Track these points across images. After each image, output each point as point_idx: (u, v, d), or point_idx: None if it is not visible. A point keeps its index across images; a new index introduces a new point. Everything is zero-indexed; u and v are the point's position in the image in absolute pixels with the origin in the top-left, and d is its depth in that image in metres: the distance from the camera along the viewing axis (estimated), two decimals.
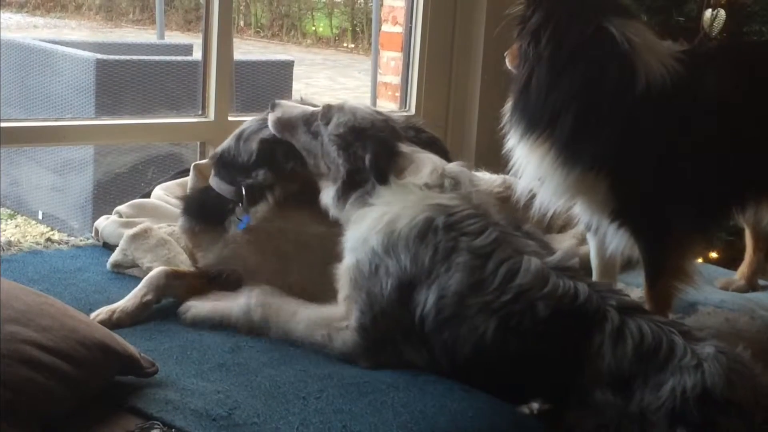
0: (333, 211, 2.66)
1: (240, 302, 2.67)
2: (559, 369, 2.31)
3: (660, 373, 2.19)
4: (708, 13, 4.13)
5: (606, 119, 2.76)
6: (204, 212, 2.94)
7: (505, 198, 3.49)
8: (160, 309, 2.79)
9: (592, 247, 3.13)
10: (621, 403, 2.20)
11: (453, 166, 2.68)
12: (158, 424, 2.09)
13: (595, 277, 3.06)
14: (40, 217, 6.26)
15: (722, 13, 4.10)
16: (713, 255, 4.01)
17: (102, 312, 2.67)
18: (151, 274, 2.84)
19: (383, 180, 2.55)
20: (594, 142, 2.77)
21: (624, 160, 2.79)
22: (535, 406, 2.39)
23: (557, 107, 2.77)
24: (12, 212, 6.51)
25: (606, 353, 2.25)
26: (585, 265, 3.17)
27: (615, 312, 2.31)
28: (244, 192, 2.83)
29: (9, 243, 3.23)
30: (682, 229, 2.88)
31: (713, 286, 3.49)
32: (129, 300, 2.74)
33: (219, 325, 2.67)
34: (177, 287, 2.85)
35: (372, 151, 2.58)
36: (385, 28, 4.90)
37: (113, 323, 2.63)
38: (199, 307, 2.72)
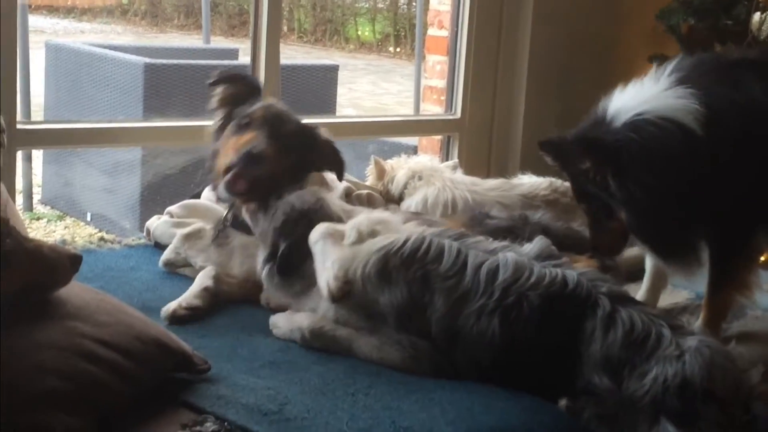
0: None
1: (295, 330, 2.65)
2: (563, 356, 2.34)
3: (646, 362, 2.23)
4: (756, 16, 4.12)
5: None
6: None
7: (551, 201, 3.51)
8: (210, 308, 2.84)
9: None
10: (616, 390, 2.24)
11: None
12: (211, 418, 2.13)
13: (647, 278, 3.07)
14: (88, 218, 6.36)
15: None
16: (762, 258, 3.98)
17: (171, 304, 2.76)
18: (202, 272, 2.95)
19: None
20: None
21: (712, 196, 2.73)
22: (563, 403, 2.40)
23: None
24: (61, 214, 6.62)
25: (597, 339, 2.29)
26: (630, 268, 3.18)
27: (606, 299, 2.34)
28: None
29: (64, 241, 3.30)
30: (755, 242, 2.88)
31: (762, 290, 3.46)
32: (189, 291, 2.84)
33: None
34: (230, 284, 2.95)
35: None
36: (431, 31, 4.93)
37: (184, 309, 2.74)
38: (280, 326, 2.71)
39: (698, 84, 2.75)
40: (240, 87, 3.14)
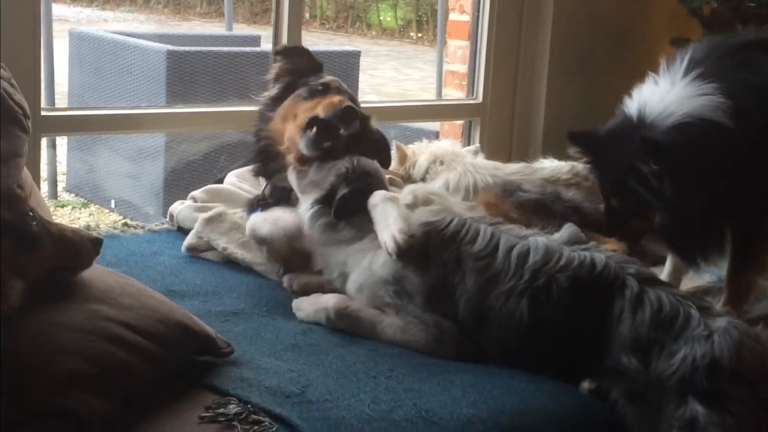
0: None
1: (320, 311, 2.66)
2: (591, 337, 2.35)
3: (674, 342, 2.23)
4: None
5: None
6: None
7: (573, 184, 3.50)
8: (233, 292, 2.86)
9: None
10: (644, 370, 2.25)
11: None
12: (234, 400, 2.14)
13: (669, 261, 3.08)
14: (112, 205, 6.41)
15: None
16: None
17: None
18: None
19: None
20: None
21: (740, 186, 2.76)
22: (585, 386, 2.41)
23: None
24: (86, 201, 6.67)
25: (626, 319, 2.30)
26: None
27: (634, 280, 2.35)
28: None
29: (88, 227, 3.32)
30: None
31: None
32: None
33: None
34: None
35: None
36: (453, 16, 4.92)
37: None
38: (303, 309, 2.73)
39: (717, 73, 2.75)
40: (302, 61, 3.21)
